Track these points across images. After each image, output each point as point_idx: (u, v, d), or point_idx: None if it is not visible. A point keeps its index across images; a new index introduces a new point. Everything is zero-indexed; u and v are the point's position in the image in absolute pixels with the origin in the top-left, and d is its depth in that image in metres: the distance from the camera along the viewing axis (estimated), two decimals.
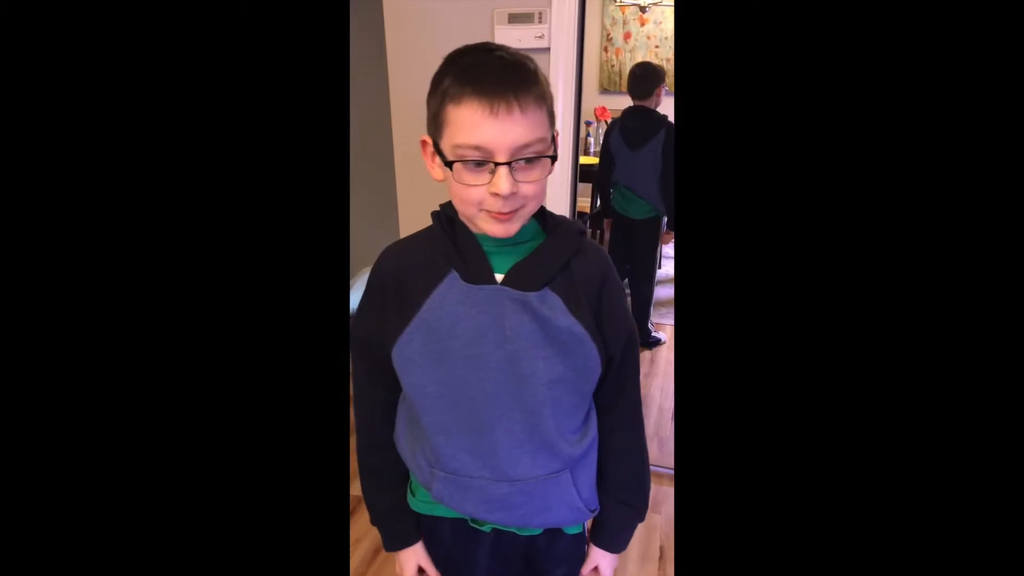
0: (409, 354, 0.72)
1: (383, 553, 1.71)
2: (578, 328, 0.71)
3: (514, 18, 1.61)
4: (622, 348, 0.77)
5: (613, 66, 4.30)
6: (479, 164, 0.64)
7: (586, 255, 0.75)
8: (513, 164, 0.64)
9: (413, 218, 1.93)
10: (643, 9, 4.13)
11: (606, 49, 4.27)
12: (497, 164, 0.63)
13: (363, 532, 1.79)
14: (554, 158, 0.66)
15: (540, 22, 1.60)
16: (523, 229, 0.73)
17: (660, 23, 4.08)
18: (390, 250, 0.79)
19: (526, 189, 0.66)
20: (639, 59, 4.18)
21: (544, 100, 0.65)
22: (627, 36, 4.22)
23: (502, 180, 0.63)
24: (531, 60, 0.67)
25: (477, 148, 0.63)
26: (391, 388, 0.80)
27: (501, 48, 0.67)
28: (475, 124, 0.63)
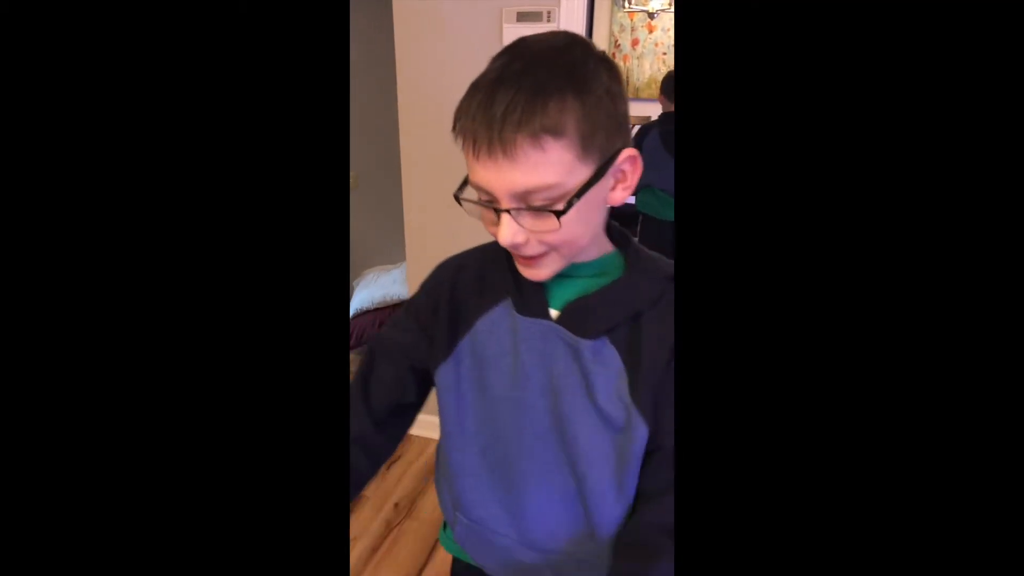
0: (450, 380, 0.64)
1: (380, 552, 1.70)
2: (627, 397, 0.57)
3: (522, 16, 1.61)
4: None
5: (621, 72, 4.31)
6: (487, 204, 0.54)
7: (668, 308, 0.58)
8: (515, 211, 0.52)
9: (418, 220, 1.93)
10: (651, 16, 4.14)
11: (614, 55, 4.28)
12: (498, 211, 0.53)
13: (360, 530, 1.78)
14: (561, 212, 0.50)
15: (548, 21, 1.60)
16: (600, 260, 0.61)
17: (668, 30, 4.09)
18: (450, 262, 0.70)
19: (548, 238, 0.54)
20: (647, 66, 4.19)
21: (560, 133, 0.48)
22: (635, 43, 4.23)
23: (503, 229, 0.53)
24: (569, 73, 0.50)
25: (479, 189, 0.53)
26: (381, 419, 0.67)
27: (528, 54, 0.51)
28: (470, 163, 0.52)
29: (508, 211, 0.52)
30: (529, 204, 0.51)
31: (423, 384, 0.69)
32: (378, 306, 2.92)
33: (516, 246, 0.54)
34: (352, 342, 2.90)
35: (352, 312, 2.97)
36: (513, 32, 1.63)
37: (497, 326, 0.62)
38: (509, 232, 0.53)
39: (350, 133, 2.98)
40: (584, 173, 0.51)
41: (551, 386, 0.60)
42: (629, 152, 0.54)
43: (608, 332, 0.58)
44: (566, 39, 0.53)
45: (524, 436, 0.61)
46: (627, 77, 4.29)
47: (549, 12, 1.60)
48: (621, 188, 0.56)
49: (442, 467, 0.69)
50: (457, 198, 0.56)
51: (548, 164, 0.49)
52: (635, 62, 4.24)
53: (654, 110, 3.32)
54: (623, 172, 0.56)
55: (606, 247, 0.63)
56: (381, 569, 1.65)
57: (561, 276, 0.59)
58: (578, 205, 0.51)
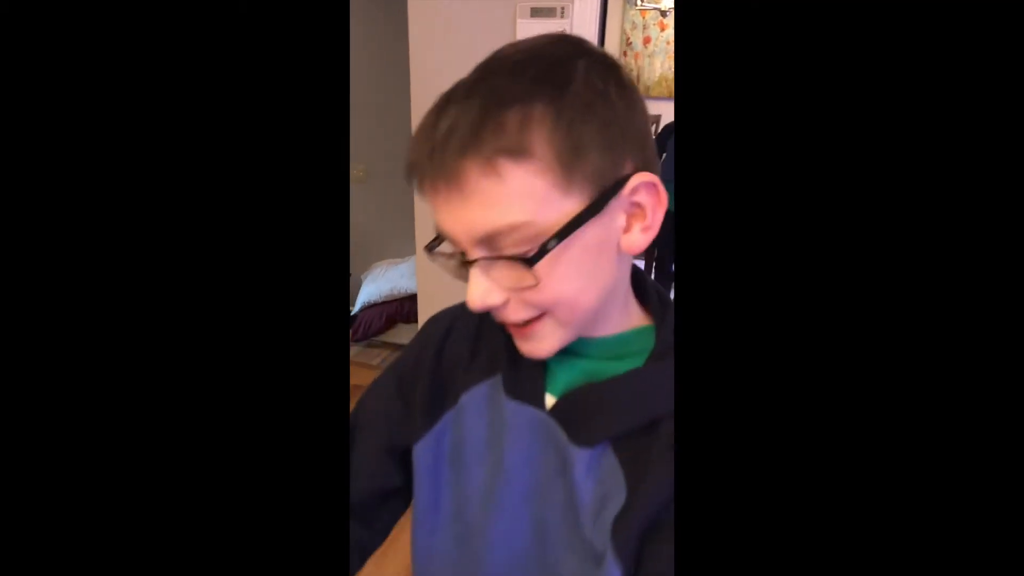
0: (428, 461, 0.51)
1: (379, 551, 1.71)
2: (609, 526, 0.42)
3: (536, 12, 1.61)
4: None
5: (632, 70, 4.30)
6: (462, 258, 0.42)
7: None
8: (485, 263, 0.40)
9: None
10: (663, 14, 4.13)
11: (625, 53, 4.27)
12: (466, 262, 0.41)
13: None
14: (531, 260, 0.37)
15: (562, 17, 1.60)
16: (622, 337, 0.46)
17: None
18: (442, 316, 0.57)
19: (531, 297, 0.40)
20: (658, 64, 4.18)
21: (523, 153, 0.36)
22: (647, 40, 4.21)
23: (471, 287, 0.41)
24: (541, 75, 0.38)
25: (447, 237, 0.42)
26: (363, 512, 0.55)
27: (494, 60, 0.40)
28: (429, 202, 0.41)
29: (476, 262, 0.40)
30: (499, 252, 0.39)
31: (408, 464, 0.55)
32: (385, 299, 2.94)
33: (493, 309, 0.41)
34: (360, 334, 2.91)
35: (359, 305, 2.99)
36: (526, 27, 1.62)
37: (484, 406, 0.49)
38: (479, 291, 0.40)
39: (361, 127, 2.99)
40: (569, 207, 0.38)
41: (539, 490, 0.46)
42: (643, 178, 0.39)
43: (614, 438, 0.43)
44: (552, 37, 0.41)
45: (498, 549, 0.47)
46: (638, 75, 4.28)
47: (563, 8, 1.60)
48: (639, 229, 0.41)
49: (412, 539, 0.55)
50: (431, 252, 0.44)
51: (510, 196, 0.37)
52: (646, 60, 4.22)
53: (666, 108, 3.31)
54: (638, 206, 0.41)
55: (635, 319, 0.48)
56: (385, 561, 1.66)
57: (567, 352, 0.45)
58: (564, 252, 0.38)
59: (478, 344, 0.52)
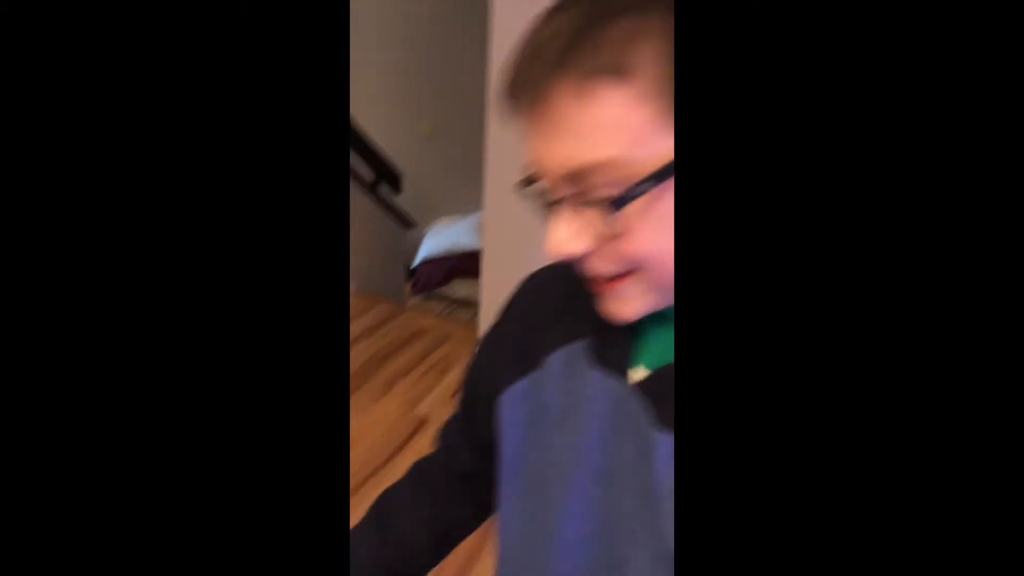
0: (509, 415, 0.49)
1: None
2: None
3: None
4: None
5: None
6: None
7: None
8: (572, 203, 0.35)
9: (501, 173, 1.93)
10: None
11: None
12: (551, 203, 0.37)
13: None
14: (616, 204, 0.32)
15: None
16: None
17: None
18: (539, 274, 0.54)
19: (620, 248, 0.35)
20: None
21: (624, 72, 0.30)
22: None
23: (553, 229, 0.36)
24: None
25: (533, 167, 0.38)
26: (477, 453, 0.56)
27: None
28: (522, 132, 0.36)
29: (560, 203, 0.35)
30: (587, 192, 0.33)
31: None
32: (444, 255, 2.99)
33: (575, 259, 0.37)
34: (419, 287, 2.98)
35: (420, 259, 3.05)
36: None
37: (566, 371, 0.46)
38: (560, 236, 0.35)
39: (431, 80, 3.00)
40: (672, 144, 0.32)
41: (613, 473, 0.42)
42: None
43: None
44: None
45: (566, 525, 0.44)
46: None
47: None
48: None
49: (498, 501, 0.53)
50: (523, 190, 0.40)
51: (603, 126, 0.31)
52: None
53: None
54: None
55: None
56: None
57: (665, 320, 0.40)
58: (659, 199, 0.32)
59: (568, 304, 0.48)
